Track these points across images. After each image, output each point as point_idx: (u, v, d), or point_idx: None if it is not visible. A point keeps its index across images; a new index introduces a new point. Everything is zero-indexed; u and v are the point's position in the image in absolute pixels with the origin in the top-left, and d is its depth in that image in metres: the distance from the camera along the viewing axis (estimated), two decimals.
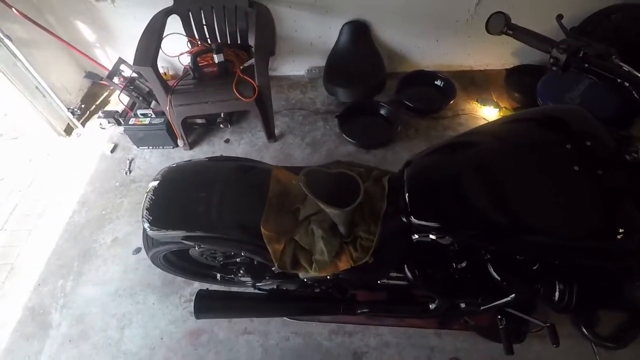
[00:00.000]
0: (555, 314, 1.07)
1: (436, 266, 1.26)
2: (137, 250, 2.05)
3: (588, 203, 0.90)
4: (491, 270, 1.12)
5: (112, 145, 2.52)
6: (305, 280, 1.31)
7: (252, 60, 2.23)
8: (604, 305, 1.07)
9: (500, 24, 1.22)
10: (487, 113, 2.45)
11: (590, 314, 1.09)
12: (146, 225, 1.23)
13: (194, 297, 1.82)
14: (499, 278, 1.11)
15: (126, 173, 2.39)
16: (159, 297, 1.89)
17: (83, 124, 2.71)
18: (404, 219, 1.16)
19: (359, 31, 2.51)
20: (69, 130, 2.68)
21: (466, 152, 1.12)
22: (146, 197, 1.25)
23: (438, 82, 2.59)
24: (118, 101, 2.54)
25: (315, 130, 2.49)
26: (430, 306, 1.43)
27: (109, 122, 2.60)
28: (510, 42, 2.58)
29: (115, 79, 2.38)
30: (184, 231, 1.21)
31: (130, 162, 2.44)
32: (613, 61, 0.99)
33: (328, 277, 1.20)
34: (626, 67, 0.95)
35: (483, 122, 2.43)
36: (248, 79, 2.13)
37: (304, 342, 1.70)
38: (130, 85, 2.43)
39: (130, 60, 2.35)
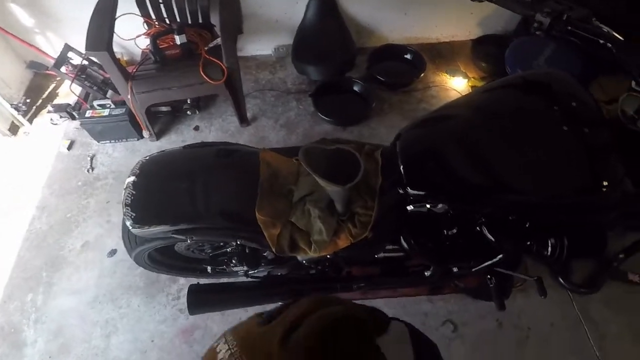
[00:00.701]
0: (543, 267, 1.12)
1: (431, 234, 1.27)
2: (113, 253, 1.91)
3: (577, 160, 0.94)
4: (486, 232, 1.15)
5: (68, 142, 2.31)
6: (303, 262, 1.29)
7: (218, 40, 2.10)
8: (591, 254, 1.13)
9: None
10: (457, 84, 2.49)
11: (568, 264, 1.16)
12: (129, 223, 1.14)
13: (183, 294, 1.78)
14: (493, 239, 1.14)
15: (88, 171, 2.21)
16: (143, 299, 1.78)
17: (30, 121, 2.45)
18: (400, 191, 1.15)
19: (326, 6, 2.42)
20: (14, 129, 2.42)
21: (456, 121, 1.14)
22: (125, 194, 1.16)
23: (408, 56, 2.58)
24: (69, 92, 2.31)
25: (289, 110, 2.41)
26: (426, 273, 1.45)
27: (61, 117, 2.37)
28: (475, 13, 2.63)
29: (63, 68, 2.16)
30: (172, 225, 1.14)
31: (91, 159, 2.25)
32: (593, 23, 1.01)
33: (328, 256, 1.18)
34: (605, 28, 0.98)
35: (454, 93, 2.47)
36: (215, 60, 2.01)
37: None
38: (81, 74, 2.20)
39: (78, 47, 2.16)
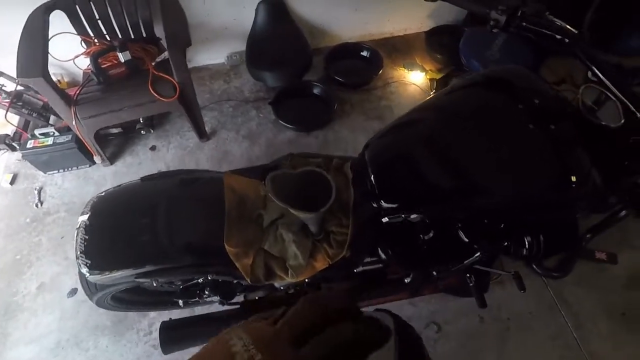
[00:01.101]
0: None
1: (407, 242, 1.26)
2: (73, 292, 1.77)
3: (545, 158, 0.94)
4: (462, 235, 1.15)
5: (10, 176, 2.12)
6: (280, 287, 1.24)
7: (166, 54, 1.99)
8: (567, 249, 1.16)
9: None
10: (415, 78, 2.50)
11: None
12: (84, 270, 1.04)
13: (155, 328, 1.68)
14: (470, 242, 1.14)
15: (37, 205, 2.03)
16: (112, 338, 1.66)
17: None
18: (373, 204, 1.13)
19: (276, 9, 2.35)
20: None
21: (422, 127, 1.12)
22: (77, 236, 1.05)
23: (364, 53, 2.56)
24: (6, 122, 2.11)
25: (249, 120, 2.33)
26: (406, 280, 1.44)
27: None
28: (425, 5, 2.63)
29: None
30: (135, 269, 1.05)
31: (39, 192, 2.07)
32: (547, 17, 1.02)
33: (306, 279, 1.13)
34: (559, 22, 0.99)
35: (413, 87, 2.47)
36: (165, 75, 1.89)
37: None
38: (17, 101, 2.03)
39: (9, 72, 1.97)
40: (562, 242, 1.14)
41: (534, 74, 1.09)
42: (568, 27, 1.00)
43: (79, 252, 1.04)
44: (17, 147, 2.07)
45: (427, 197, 1.06)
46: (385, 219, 1.15)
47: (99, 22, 2.00)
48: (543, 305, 1.68)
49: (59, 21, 1.92)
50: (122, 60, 1.89)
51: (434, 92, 2.38)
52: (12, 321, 1.72)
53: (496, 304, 1.70)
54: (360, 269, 1.37)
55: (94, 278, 1.05)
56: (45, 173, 2.12)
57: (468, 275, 1.45)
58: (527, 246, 1.12)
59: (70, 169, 2.13)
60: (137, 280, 1.08)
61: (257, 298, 1.46)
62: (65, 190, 2.08)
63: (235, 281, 1.21)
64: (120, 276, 1.06)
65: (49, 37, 1.84)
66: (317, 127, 2.27)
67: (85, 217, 1.10)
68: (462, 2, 1.16)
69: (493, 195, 0.97)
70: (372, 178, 1.13)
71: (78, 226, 1.08)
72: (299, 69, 2.43)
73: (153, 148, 2.22)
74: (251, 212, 1.13)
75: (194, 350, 0.37)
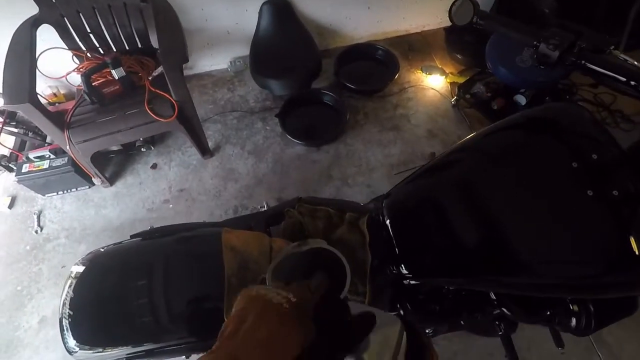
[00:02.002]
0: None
1: (432, 299, 1.12)
2: None
3: (608, 233, 0.77)
4: (498, 306, 1.00)
5: (8, 199, 2.03)
6: None
7: (162, 68, 1.83)
8: (622, 317, 1.00)
9: (468, 14, 1.02)
10: (434, 82, 2.30)
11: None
12: (71, 342, 0.94)
13: None
14: (508, 313, 0.99)
15: (36, 232, 1.95)
16: None
17: None
18: (393, 270, 0.99)
19: (280, 10, 2.16)
20: None
21: (454, 178, 0.94)
22: (66, 295, 0.95)
23: (378, 55, 2.36)
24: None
25: (255, 134, 2.18)
26: (428, 331, 1.31)
27: None
28: None
29: None
30: (130, 347, 0.94)
31: (38, 217, 1.99)
32: (612, 53, 0.83)
33: None
34: (630, 61, 0.80)
35: (432, 92, 2.27)
36: (162, 93, 1.75)
37: None
38: (10, 120, 1.92)
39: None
40: (617, 309, 0.98)
41: (588, 113, 0.90)
42: None
43: (65, 315, 0.93)
44: (14, 168, 1.97)
45: (455, 266, 0.90)
46: (407, 281, 1.01)
47: (91, 35, 1.85)
48: (578, 345, 1.54)
49: (48, 35, 1.78)
50: (116, 77, 1.75)
51: (455, 98, 2.18)
52: (15, 359, 1.66)
53: (525, 344, 1.56)
54: None
55: (83, 355, 0.95)
56: (44, 195, 2.03)
57: (497, 323, 1.31)
58: (574, 317, 0.97)
59: (69, 190, 2.03)
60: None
61: None
62: (65, 213, 1.99)
63: None
64: (113, 355, 0.96)
65: (39, 53, 1.71)
66: (327, 141, 2.11)
67: (73, 274, 1.00)
68: (501, 28, 0.98)
69: (536, 275, 0.81)
70: (391, 236, 0.99)
71: (70, 275, 0.98)
72: (307, 76, 2.25)
73: (154, 166, 2.10)
74: (255, 275, 1.00)
75: None
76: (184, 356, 1.15)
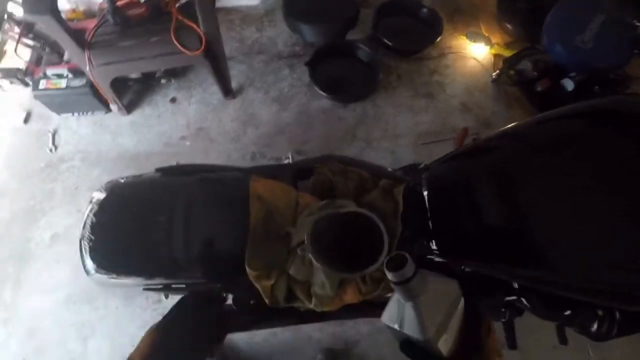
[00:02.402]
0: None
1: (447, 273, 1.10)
2: None
3: None
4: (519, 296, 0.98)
5: (24, 114, 2.00)
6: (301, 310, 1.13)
7: None
8: None
9: None
10: (477, 51, 2.13)
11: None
12: (89, 264, 0.95)
13: (164, 298, 1.65)
14: (527, 305, 0.97)
15: (51, 150, 1.93)
16: (122, 300, 1.65)
17: None
18: (423, 243, 0.96)
19: None
20: None
21: (503, 167, 0.86)
22: (89, 211, 0.95)
23: (421, 13, 2.17)
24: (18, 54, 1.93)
25: (281, 80, 2.08)
26: None
27: (11, 83, 2.01)
28: None
29: (5, 25, 1.77)
30: (143, 279, 0.95)
31: (53, 136, 1.96)
32: None
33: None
34: None
35: (473, 62, 2.12)
36: (189, 23, 1.63)
37: (292, 336, 1.59)
38: (28, 32, 1.83)
39: None
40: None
41: None
42: None
43: (87, 240, 0.94)
44: (29, 83, 1.92)
45: (487, 252, 0.87)
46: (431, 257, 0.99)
47: None
48: (570, 340, 1.55)
49: None
50: (142, 0, 1.63)
51: (497, 73, 2.03)
52: (26, 269, 1.72)
53: (520, 332, 1.57)
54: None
55: (98, 277, 0.96)
56: (59, 115, 1.99)
57: (504, 309, 1.31)
58: (597, 322, 0.94)
59: (85, 113, 1.98)
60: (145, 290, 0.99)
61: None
62: (80, 136, 1.96)
63: (252, 301, 1.11)
64: (126, 283, 0.97)
65: None
66: (356, 98, 2.01)
67: (95, 198, 1.00)
68: None
69: (577, 276, 0.77)
70: (427, 210, 0.95)
71: (91, 202, 0.97)
72: (343, 25, 2.09)
73: (173, 100, 2.03)
74: (279, 228, 0.98)
75: None
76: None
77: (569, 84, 1.87)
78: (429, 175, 1.01)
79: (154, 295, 1.66)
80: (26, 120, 1.99)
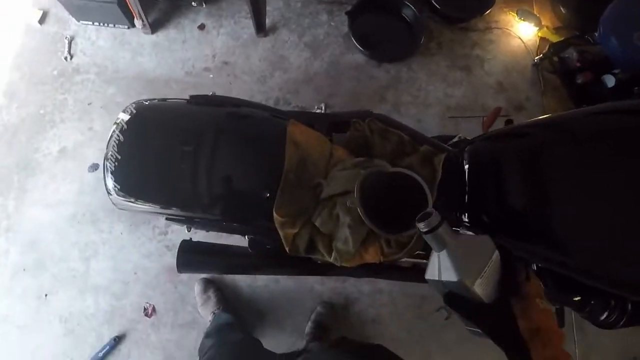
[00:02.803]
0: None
1: None
2: (94, 167, 1.69)
3: None
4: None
5: (39, 13, 1.85)
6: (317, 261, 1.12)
7: None
8: None
9: None
10: (524, 31, 2.03)
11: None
12: (111, 184, 0.91)
13: (171, 229, 1.64)
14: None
15: (66, 58, 1.82)
16: (127, 227, 1.63)
17: None
18: (456, 214, 0.94)
19: None
20: None
21: (548, 152, 0.84)
22: (114, 132, 0.90)
23: None
24: None
25: (317, 26, 1.96)
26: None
27: None
28: None
29: None
30: (160, 207, 0.92)
31: (69, 43, 1.83)
32: None
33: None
34: None
35: (517, 42, 2.03)
36: None
37: (295, 285, 1.61)
38: None
39: None
40: None
41: None
42: None
43: (110, 153, 0.90)
44: None
45: (516, 230, 0.86)
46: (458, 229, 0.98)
47: None
48: None
49: None
50: None
51: (540, 57, 1.95)
52: (32, 179, 1.67)
53: None
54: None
55: (117, 200, 0.93)
56: (78, 21, 1.85)
57: None
58: (607, 311, 0.96)
59: (106, 24, 1.85)
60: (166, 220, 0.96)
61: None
62: (98, 48, 1.84)
63: (268, 246, 1.09)
64: (143, 209, 0.94)
65: None
66: (392, 59, 1.91)
67: (126, 117, 0.94)
68: None
69: (604, 267, 0.77)
70: (465, 183, 0.93)
71: (117, 121, 0.92)
72: None
73: (202, 27, 1.90)
74: (311, 178, 0.95)
75: None
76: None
77: (610, 80, 1.81)
78: (472, 150, 0.98)
79: (160, 225, 1.64)
80: (42, 21, 1.85)
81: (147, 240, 1.62)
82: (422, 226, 0.59)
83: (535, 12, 2.07)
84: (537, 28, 2.02)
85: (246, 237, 1.20)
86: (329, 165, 0.98)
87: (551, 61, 1.93)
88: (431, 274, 0.62)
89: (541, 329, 0.55)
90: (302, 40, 1.93)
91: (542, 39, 2.02)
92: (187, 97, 0.98)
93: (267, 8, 1.89)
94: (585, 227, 0.77)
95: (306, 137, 0.96)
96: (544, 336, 0.54)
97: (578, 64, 1.88)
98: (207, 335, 1.30)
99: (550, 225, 0.81)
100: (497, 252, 0.59)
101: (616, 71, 1.80)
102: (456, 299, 0.59)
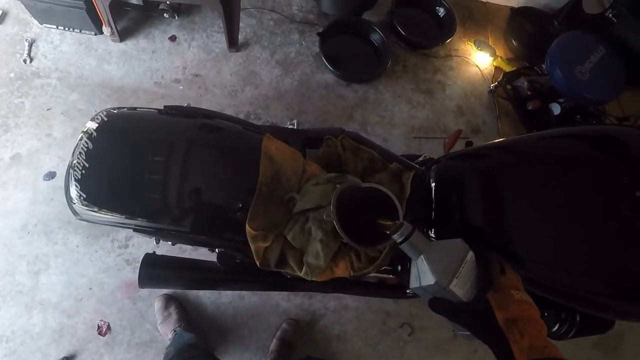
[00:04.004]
0: None
1: None
2: (51, 176, 1.60)
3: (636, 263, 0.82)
4: None
5: None
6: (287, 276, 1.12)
7: None
8: (598, 332, 1.08)
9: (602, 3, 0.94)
10: (481, 60, 2.20)
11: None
12: (74, 193, 0.87)
13: (131, 243, 1.58)
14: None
15: (25, 61, 1.73)
16: (84, 239, 1.55)
17: None
18: (423, 230, 0.99)
19: None
20: None
21: (506, 172, 0.94)
22: (80, 141, 0.87)
23: (438, 11, 2.19)
24: None
25: (289, 44, 2.01)
26: (408, 292, 1.37)
27: None
28: None
29: None
30: (128, 217, 0.89)
31: (30, 45, 1.75)
32: None
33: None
34: None
35: (474, 70, 2.18)
36: None
37: (260, 302, 1.59)
38: None
39: None
40: (597, 325, 1.05)
41: None
42: None
43: (76, 161, 0.86)
44: None
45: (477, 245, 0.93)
46: None
47: None
48: None
49: None
50: None
51: (495, 84, 2.11)
52: None
53: None
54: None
55: (80, 209, 0.89)
56: (41, 24, 1.78)
57: None
58: (558, 322, 1.04)
59: (72, 29, 1.79)
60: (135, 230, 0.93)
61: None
62: (61, 53, 1.78)
63: (238, 259, 1.08)
64: (108, 219, 0.90)
65: None
66: (360, 80, 2.00)
67: (94, 125, 0.90)
68: (633, 33, 0.92)
69: (553, 279, 0.85)
70: (431, 200, 0.98)
71: (85, 129, 0.89)
72: (362, 2, 2.05)
73: (173, 38, 1.89)
74: (284, 192, 0.96)
75: None
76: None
77: (556, 108, 1.99)
78: (437, 168, 1.04)
79: (121, 238, 1.57)
80: (1, 20, 1.76)
81: (105, 254, 1.54)
82: (396, 237, 0.63)
83: (490, 43, 2.25)
84: (492, 58, 2.19)
85: (216, 250, 1.18)
86: (302, 180, 0.99)
87: (505, 89, 2.10)
88: (413, 282, 0.64)
89: (518, 319, 0.55)
90: (274, 57, 1.96)
91: (496, 68, 2.19)
92: (158, 107, 0.96)
93: (240, 24, 1.92)
94: (534, 241, 0.86)
95: (281, 152, 0.98)
96: (522, 326, 0.54)
97: (528, 92, 2.05)
98: (167, 358, 1.24)
99: (505, 240, 0.89)
100: (471, 253, 0.62)
101: (561, 100, 1.98)
102: (439, 303, 0.61)
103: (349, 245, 0.98)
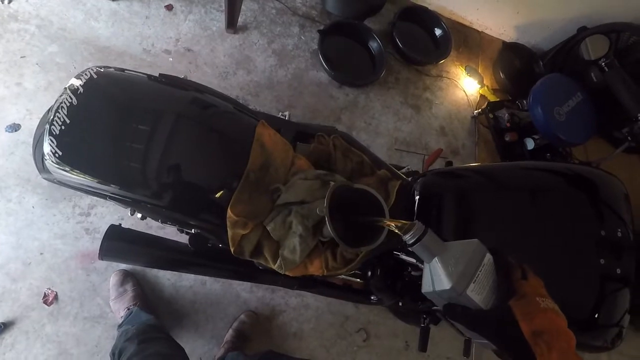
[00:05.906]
0: None
1: (395, 274, 1.18)
2: (14, 128, 1.48)
3: (593, 296, 0.89)
4: None
5: None
6: (259, 267, 1.10)
7: None
8: None
9: (599, 51, 1.01)
10: (469, 86, 2.28)
11: None
12: (48, 148, 0.81)
13: (94, 212, 1.50)
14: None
15: (2, 1, 1.60)
16: (42, 201, 1.45)
17: None
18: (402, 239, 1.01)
19: None
20: None
21: (492, 192, 1.03)
22: (61, 96, 0.81)
23: (437, 32, 2.25)
24: None
25: (288, 36, 1.99)
26: (372, 298, 1.38)
27: None
28: (522, 14, 2.32)
29: None
30: (108, 184, 0.84)
31: None
32: None
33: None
34: None
35: (461, 94, 2.26)
36: None
37: (221, 289, 1.55)
38: None
39: None
40: None
41: (627, 196, 1.00)
42: None
43: (56, 116, 0.80)
44: None
45: None
46: (397, 253, 1.05)
47: None
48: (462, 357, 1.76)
49: None
50: None
51: (479, 111, 2.19)
52: None
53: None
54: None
55: (51, 166, 0.83)
56: None
57: (425, 316, 1.44)
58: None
59: None
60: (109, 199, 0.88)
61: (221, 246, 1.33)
62: (46, 1, 1.66)
63: (211, 243, 1.05)
64: (79, 182, 0.85)
65: None
66: (353, 84, 2.01)
67: (79, 82, 0.84)
68: (619, 84, 0.99)
69: None
70: (414, 214, 1.01)
71: (69, 85, 0.83)
72: (366, 8, 2.07)
73: (169, 7, 1.82)
74: (270, 182, 0.94)
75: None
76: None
77: (530, 143, 2.09)
78: (423, 182, 1.07)
79: (83, 205, 1.49)
80: None
81: (64, 219, 1.45)
82: (408, 238, 0.58)
83: (479, 71, 2.34)
84: (480, 86, 2.28)
85: (186, 231, 1.14)
86: (290, 172, 0.98)
87: (487, 117, 2.18)
88: (426, 286, 0.59)
89: (545, 331, 0.50)
90: (271, 46, 1.94)
91: (482, 95, 2.28)
92: (149, 74, 0.92)
93: (242, 7, 1.88)
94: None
95: (273, 141, 0.96)
96: (549, 339, 0.49)
97: (508, 124, 2.14)
98: (126, 336, 1.16)
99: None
100: (489, 255, 0.57)
101: (536, 137, 2.09)
102: (456, 310, 0.56)
103: (326, 245, 0.98)
